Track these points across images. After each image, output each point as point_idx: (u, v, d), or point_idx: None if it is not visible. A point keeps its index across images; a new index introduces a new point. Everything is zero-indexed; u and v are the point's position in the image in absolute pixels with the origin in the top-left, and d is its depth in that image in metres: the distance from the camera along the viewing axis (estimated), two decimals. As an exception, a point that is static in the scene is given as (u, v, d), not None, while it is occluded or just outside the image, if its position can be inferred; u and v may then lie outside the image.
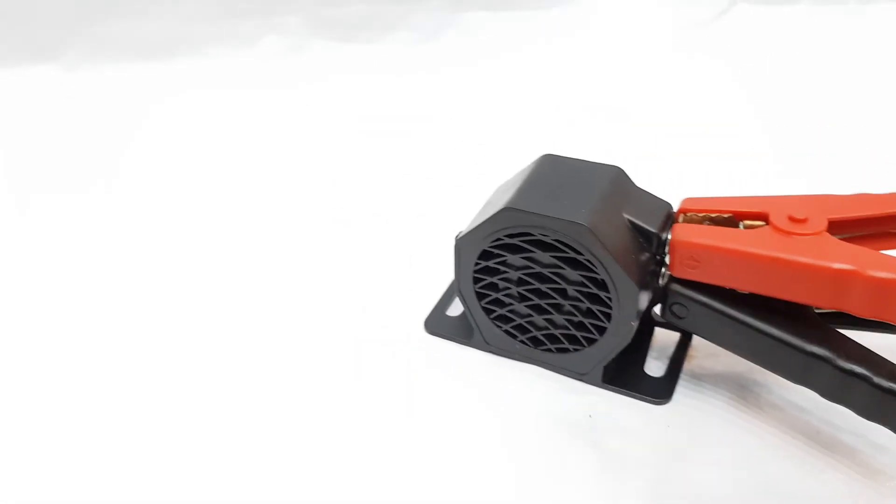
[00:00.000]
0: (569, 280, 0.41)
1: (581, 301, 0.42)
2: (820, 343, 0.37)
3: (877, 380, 0.35)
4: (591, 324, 0.42)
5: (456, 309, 0.50)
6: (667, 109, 0.77)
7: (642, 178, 0.44)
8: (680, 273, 0.40)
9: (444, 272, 0.52)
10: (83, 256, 0.57)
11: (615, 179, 0.43)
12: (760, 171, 0.65)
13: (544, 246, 0.41)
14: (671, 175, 0.54)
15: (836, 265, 0.35)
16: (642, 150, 0.66)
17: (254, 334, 0.49)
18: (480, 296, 0.45)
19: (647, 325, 0.48)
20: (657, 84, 0.82)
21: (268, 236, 0.59)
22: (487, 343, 0.46)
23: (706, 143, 0.69)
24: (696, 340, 0.47)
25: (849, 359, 0.36)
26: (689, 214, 0.42)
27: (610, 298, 0.40)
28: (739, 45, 0.89)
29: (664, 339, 0.47)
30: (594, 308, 0.41)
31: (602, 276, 0.40)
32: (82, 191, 0.65)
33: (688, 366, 0.46)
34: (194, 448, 0.41)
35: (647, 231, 0.41)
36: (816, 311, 0.40)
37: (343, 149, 0.71)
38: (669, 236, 0.41)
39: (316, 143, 0.73)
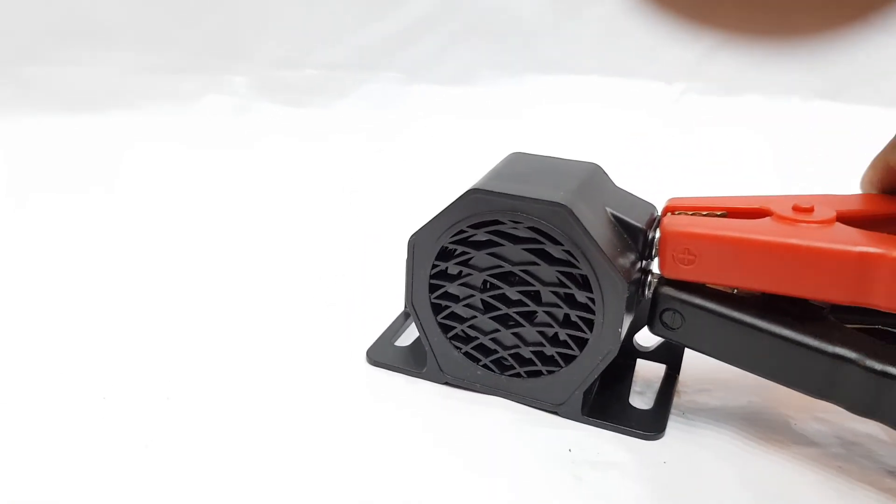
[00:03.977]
0: (544, 280, 0.35)
1: (558, 306, 0.35)
2: (843, 343, 0.31)
3: (919, 382, 0.29)
4: (570, 335, 0.35)
5: (404, 339, 0.43)
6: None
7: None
8: (672, 272, 0.34)
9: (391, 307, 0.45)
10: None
11: (594, 172, 0.38)
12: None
13: (515, 239, 0.35)
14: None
15: (859, 248, 0.30)
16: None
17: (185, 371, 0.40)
18: (437, 308, 0.38)
19: (628, 356, 0.41)
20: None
21: (204, 281, 0.50)
22: (442, 371, 0.39)
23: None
24: (686, 373, 0.40)
25: (880, 358, 0.30)
26: (677, 213, 0.37)
27: (593, 300, 0.34)
28: (690, 133, 0.89)
29: (647, 374, 0.41)
30: (573, 314, 0.35)
31: (584, 270, 0.33)
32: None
33: (677, 401, 0.39)
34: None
35: (632, 226, 0.35)
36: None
37: (282, 210, 0.65)
38: (657, 235, 0.36)
39: (255, 204, 0.66)
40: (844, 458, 0.35)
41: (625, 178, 0.61)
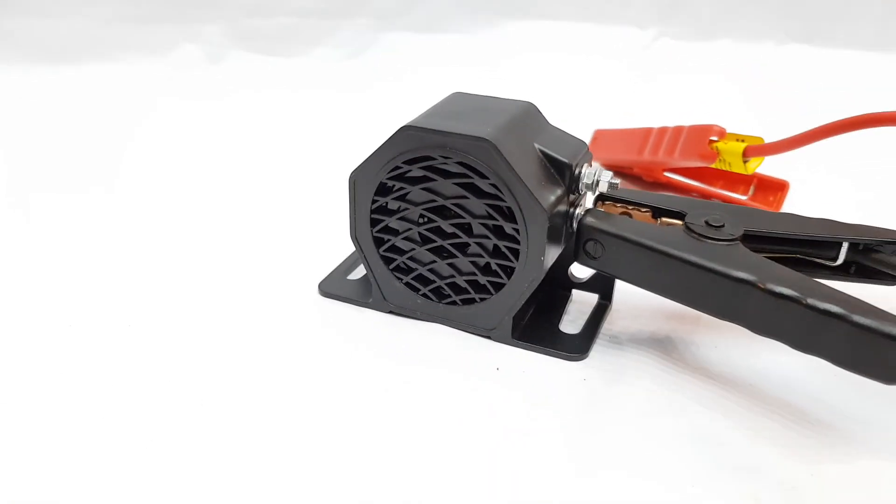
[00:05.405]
0: (474, 213, 0.37)
1: (487, 237, 0.37)
2: (747, 268, 0.33)
3: (810, 301, 0.31)
4: (499, 265, 0.37)
5: (356, 274, 0.45)
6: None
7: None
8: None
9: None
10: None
11: (527, 110, 0.39)
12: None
13: (447, 175, 0.37)
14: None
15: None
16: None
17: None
18: (378, 242, 0.40)
19: (564, 287, 0.43)
20: (575, 115, 0.81)
21: (168, 221, 0.53)
22: (386, 301, 0.41)
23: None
24: (620, 302, 0.43)
25: (779, 282, 0.32)
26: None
27: (518, 230, 0.36)
28: (663, 79, 0.89)
29: (583, 304, 0.43)
30: (501, 244, 0.37)
31: (509, 202, 0.35)
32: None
33: (608, 327, 0.41)
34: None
35: (559, 161, 0.37)
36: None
37: (256, 158, 0.66)
38: (584, 170, 0.38)
39: (230, 152, 0.67)
40: (756, 378, 0.37)
41: (597, 124, 0.62)
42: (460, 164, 0.36)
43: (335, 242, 0.48)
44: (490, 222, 0.37)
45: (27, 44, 0.83)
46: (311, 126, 0.73)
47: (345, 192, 0.40)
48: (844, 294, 0.32)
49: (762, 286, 0.32)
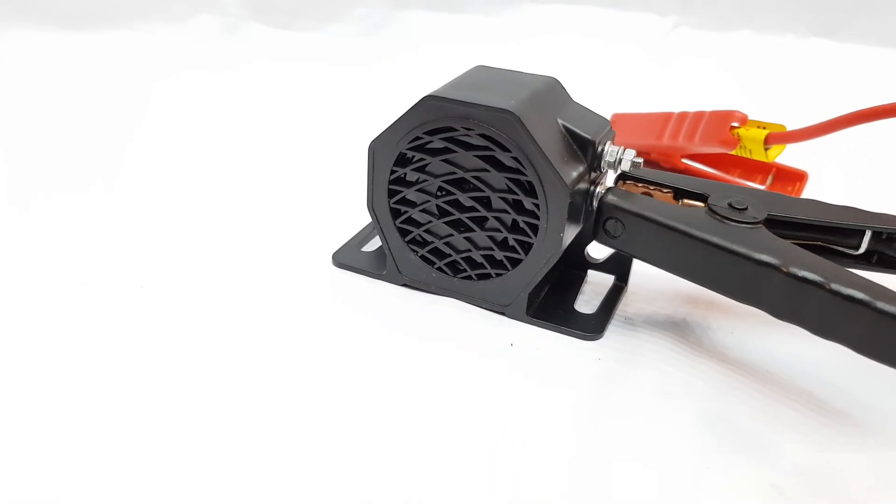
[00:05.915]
0: (494, 187, 0.37)
1: (506, 212, 0.37)
2: (770, 251, 0.33)
3: (833, 286, 0.31)
4: (517, 240, 0.37)
5: (371, 246, 0.45)
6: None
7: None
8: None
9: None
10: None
11: (550, 85, 0.39)
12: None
13: (468, 147, 0.36)
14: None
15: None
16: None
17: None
18: (395, 213, 0.39)
19: (580, 267, 0.43)
20: (592, 100, 0.80)
21: (184, 192, 0.52)
22: (401, 273, 0.41)
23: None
24: (637, 284, 0.42)
25: (802, 266, 0.32)
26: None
27: (538, 206, 0.36)
28: (680, 67, 0.88)
29: (599, 285, 0.43)
30: (520, 219, 0.36)
31: (530, 177, 0.35)
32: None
33: (623, 309, 0.41)
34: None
35: (582, 138, 0.37)
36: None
37: (269, 130, 0.66)
38: (607, 148, 0.37)
39: (242, 123, 0.67)
40: (773, 364, 0.37)
41: (613, 110, 0.61)
42: (482, 136, 0.35)
43: (350, 214, 0.47)
44: (510, 196, 0.36)
45: (43, 9, 0.82)
46: (325, 100, 0.73)
47: (360, 165, 0.39)
48: (868, 280, 0.31)
49: (785, 270, 0.32)
